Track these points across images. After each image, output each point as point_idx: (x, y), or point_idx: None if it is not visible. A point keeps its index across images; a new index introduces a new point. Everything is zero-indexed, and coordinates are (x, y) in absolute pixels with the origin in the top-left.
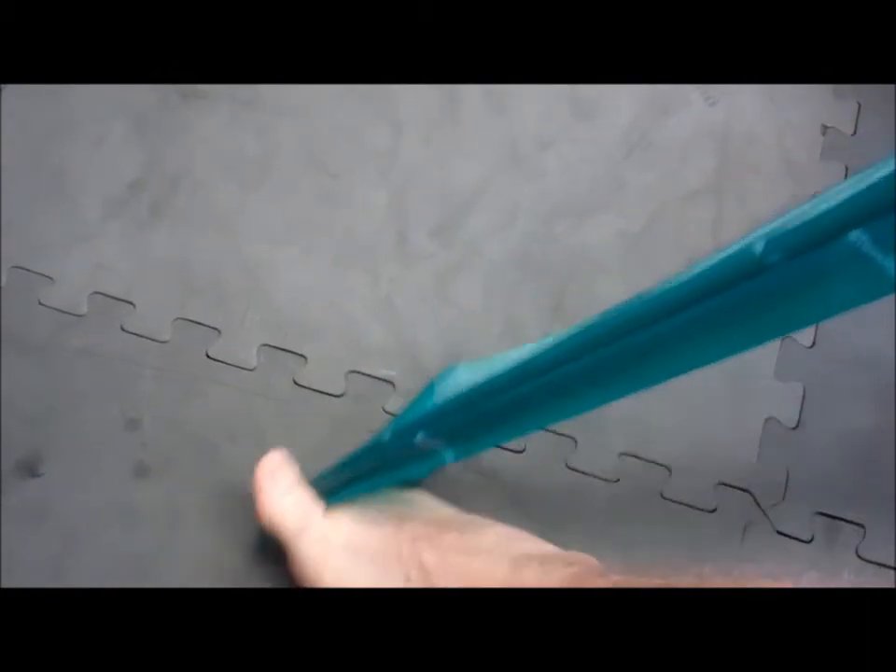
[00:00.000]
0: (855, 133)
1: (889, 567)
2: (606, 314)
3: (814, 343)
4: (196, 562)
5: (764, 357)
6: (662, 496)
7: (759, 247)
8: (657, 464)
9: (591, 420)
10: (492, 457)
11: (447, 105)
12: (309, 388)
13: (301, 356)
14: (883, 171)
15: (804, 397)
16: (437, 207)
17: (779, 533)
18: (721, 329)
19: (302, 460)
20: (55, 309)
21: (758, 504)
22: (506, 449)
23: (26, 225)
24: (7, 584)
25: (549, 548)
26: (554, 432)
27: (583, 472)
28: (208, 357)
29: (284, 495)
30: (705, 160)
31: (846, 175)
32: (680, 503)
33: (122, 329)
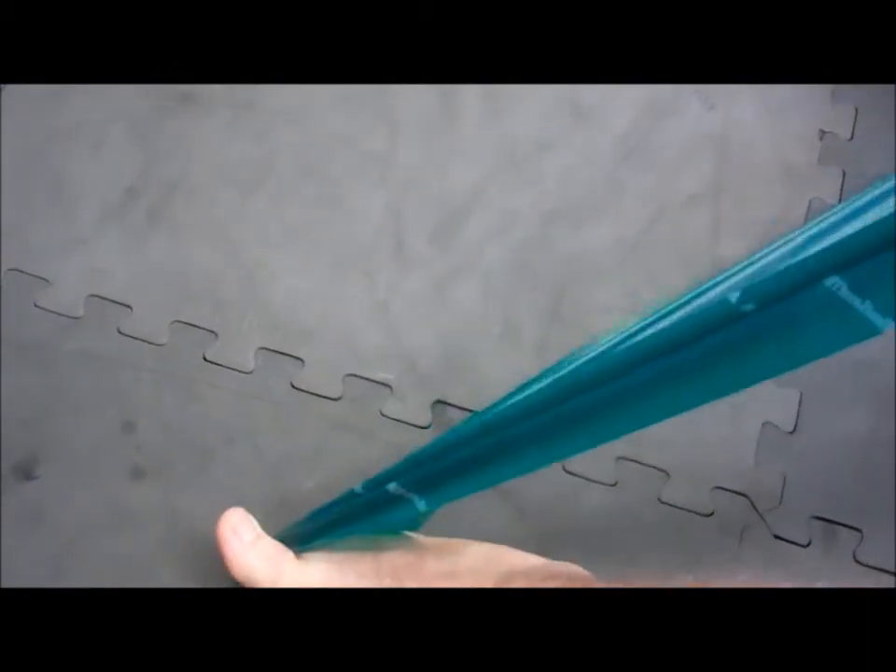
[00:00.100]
0: (852, 137)
1: (887, 572)
2: (581, 362)
3: None
4: (192, 564)
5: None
6: (659, 500)
7: (734, 297)
8: (654, 468)
9: None
10: None
11: (445, 110)
12: (306, 392)
13: (299, 359)
14: (860, 220)
15: (801, 401)
16: (434, 212)
17: (776, 537)
18: (700, 376)
19: (300, 464)
20: (52, 312)
21: (755, 508)
22: None
23: (24, 228)
24: (3, 586)
25: (533, 560)
26: None
27: (581, 476)
28: (205, 360)
29: (250, 548)
30: (703, 164)
31: (843, 180)
32: (678, 507)
33: (119, 332)
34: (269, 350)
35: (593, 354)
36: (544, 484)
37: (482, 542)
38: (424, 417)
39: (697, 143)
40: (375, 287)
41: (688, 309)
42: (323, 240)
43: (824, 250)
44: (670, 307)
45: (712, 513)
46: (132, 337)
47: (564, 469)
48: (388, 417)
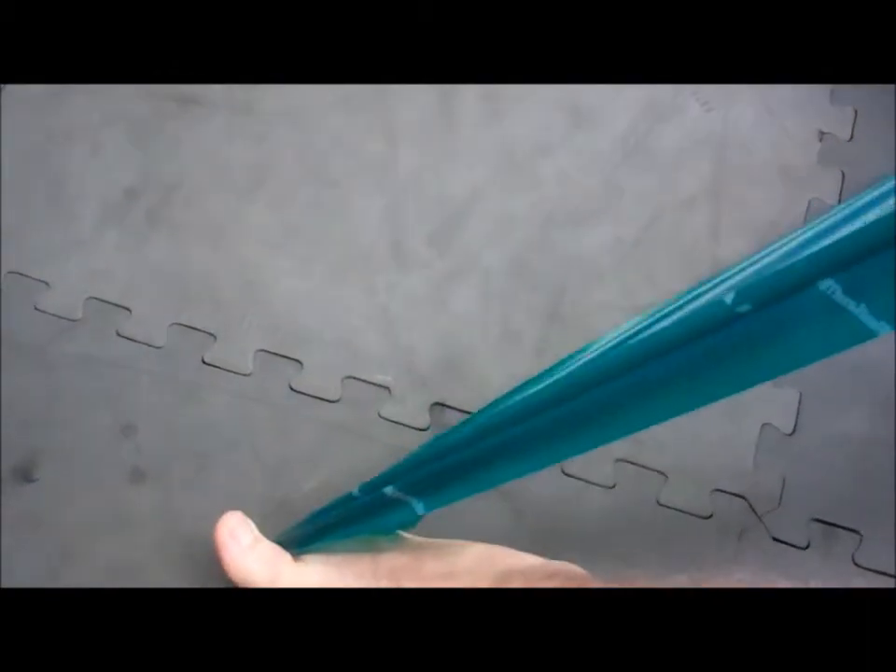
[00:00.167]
0: (852, 138)
1: (886, 574)
2: (578, 364)
3: None
4: (190, 567)
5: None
6: (658, 502)
7: (729, 298)
8: (653, 470)
9: None
10: None
11: (444, 112)
12: (305, 394)
13: (298, 361)
14: (856, 222)
15: (800, 403)
16: (434, 213)
17: (775, 539)
18: (696, 378)
19: (298, 466)
20: (51, 314)
21: (754, 510)
22: None
23: (23, 231)
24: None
25: (531, 560)
26: None
27: (579, 478)
28: (204, 362)
29: (248, 552)
30: (701, 166)
31: (842, 181)
32: (676, 509)
33: (118, 335)
34: (268, 352)
35: (589, 356)
36: (543, 486)
37: (479, 543)
38: (422, 419)
39: (696, 144)
40: (374, 289)
41: (684, 311)
42: (322, 242)
43: (819, 252)
44: (666, 309)
45: (711, 516)
46: (131, 339)
47: (562, 472)
48: (387, 419)
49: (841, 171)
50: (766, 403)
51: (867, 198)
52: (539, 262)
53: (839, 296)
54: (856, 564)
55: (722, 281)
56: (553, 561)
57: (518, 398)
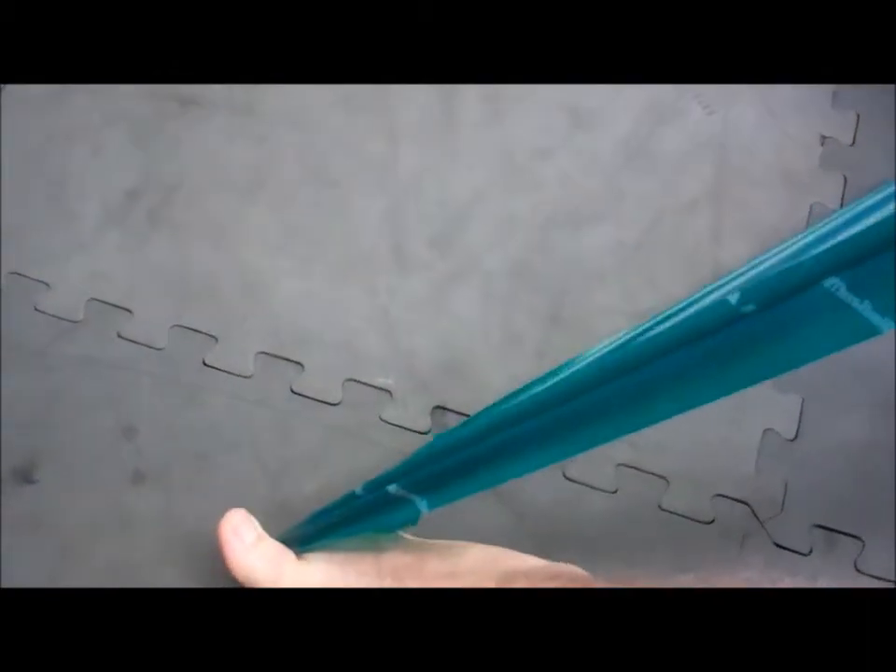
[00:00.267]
0: (854, 143)
1: (888, 581)
2: (582, 364)
3: None
4: (192, 569)
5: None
6: (660, 507)
7: (734, 298)
8: (655, 475)
9: None
10: None
11: (445, 114)
12: (306, 396)
13: (298, 363)
14: (859, 222)
15: (802, 408)
16: (434, 216)
17: (777, 545)
18: (700, 376)
19: (299, 469)
20: (52, 315)
21: (756, 516)
22: None
23: (24, 232)
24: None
25: (534, 561)
26: None
27: (581, 483)
28: (205, 364)
29: (251, 549)
30: (703, 169)
31: (844, 185)
32: (678, 514)
33: (119, 336)
34: (268, 354)
35: (594, 357)
36: (544, 490)
37: (482, 544)
38: (423, 422)
39: (698, 147)
40: (375, 291)
41: (688, 312)
42: (323, 243)
43: (823, 252)
44: (669, 312)
45: (713, 521)
46: (132, 341)
47: (564, 476)
48: (388, 422)
49: (843, 175)
50: (768, 409)
51: (869, 202)
52: (540, 264)
53: (843, 293)
54: (858, 570)
55: (726, 284)
56: (556, 563)
57: (522, 397)
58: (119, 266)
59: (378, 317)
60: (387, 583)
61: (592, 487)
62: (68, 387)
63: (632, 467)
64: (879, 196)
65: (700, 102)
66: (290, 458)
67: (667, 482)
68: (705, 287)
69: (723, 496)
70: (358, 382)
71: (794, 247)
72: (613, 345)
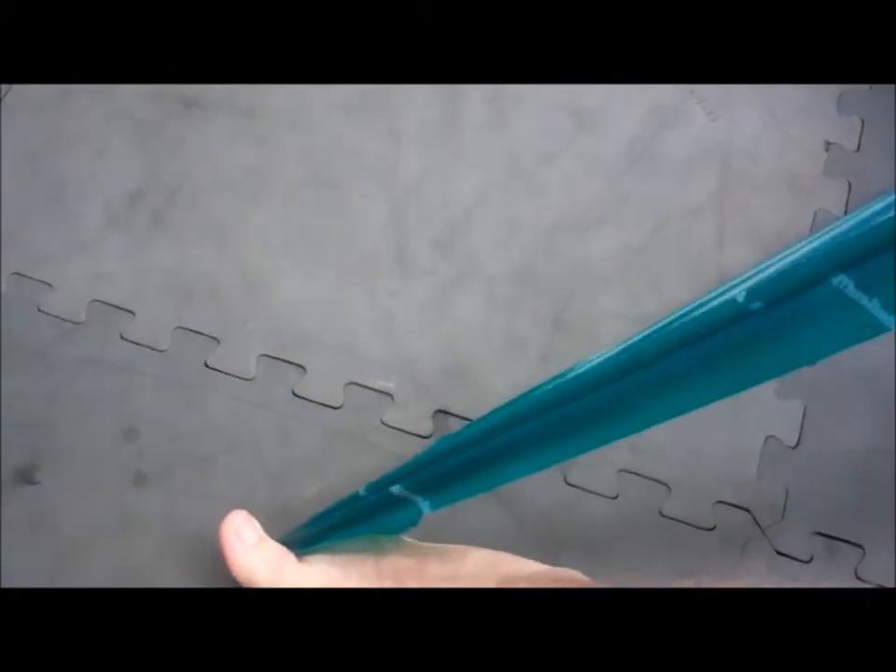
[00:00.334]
0: (858, 149)
1: (889, 589)
2: (587, 367)
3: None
4: (193, 571)
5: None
6: (661, 513)
7: (741, 296)
8: (656, 481)
9: None
10: None
11: (448, 117)
12: (307, 399)
13: (300, 366)
14: (865, 217)
15: (804, 415)
16: (437, 219)
17: (778, 553)
18: (707, 373)
19: (300, 471)
20: (54, 316)
21: (757, 523)
22: None
23: (27, 233)
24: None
25: (534, 566)
26: None
27: (582, 488)
28: (207, 366)
29: (252, 551)
30: (707, 174)
31: (848, 191)
32: (679, 521)
33: (121, 338)
34: (270, 357)
35: (598, 360)
36: (545, 495)
37: (483, 548)
38: (425, 427)
39: (701, 152)
40: (377, 294)
41: (695, 313)
42: (325, 247)
43: (831, 249)
44: (675, 315)
45: (714, 527)
46: (134, 343)
47: (565, 481)
48: (389, 426)
49: (847, 181)
50: (770, 415)
51: (877, 206)
52: (543, 268)
53: (851, 290)
54: (858, 577)
55: (732, 287)
56: (557, 568)
57: (528, 397)
58: (121, 267)
59: (380, 320)
60: (388, 586)
61: (593, 493)
62: (70, 388)
63: (633, 472)
64: (882, 204)
65: (704, 107)
66: (291, 461)
67: (669, 488)
68: (710, 291)
69: (725, 502)
70: (360, 385)
71: (801, 251)
72: (619, 348)
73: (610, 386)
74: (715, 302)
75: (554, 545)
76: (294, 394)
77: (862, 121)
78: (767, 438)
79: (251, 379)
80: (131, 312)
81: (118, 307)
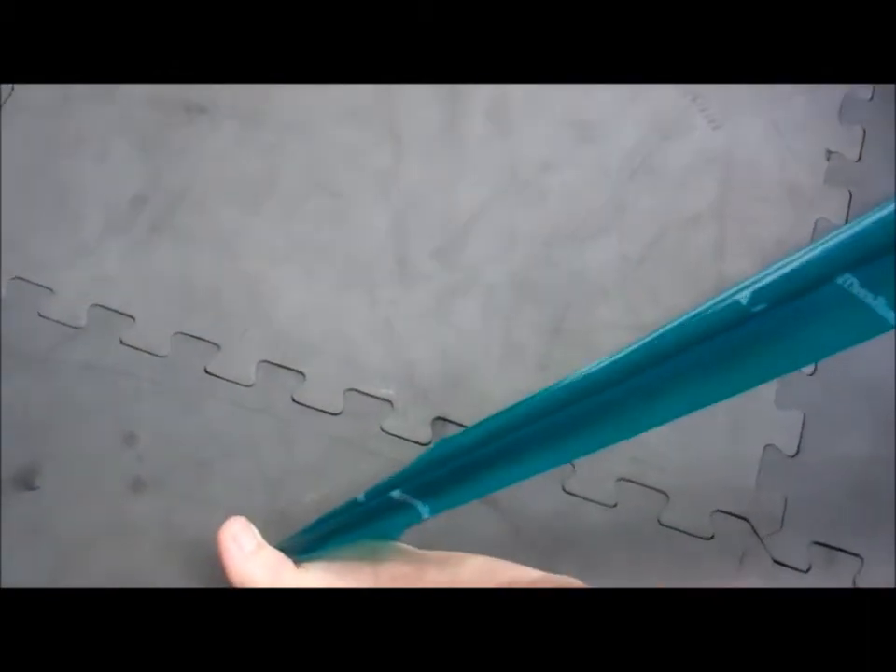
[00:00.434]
0: (860, 159)
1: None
2: (589, 370)
3: (814, 371)
4: (191, 576)
5: (764, 384)
6: (659, 522)
7: (744, 299)
8: (655, 490)
9: None
10: None
11: (450, 127)
12: (307, 406)
13: (300, 373)
14: (871, 217)
15: (803, 424)
16: (437, 229)
17: (776, 562)
18: (711, 373)
19: (299, 478)
20: (55, 321)
21: (755, 532)
22: None
23: (27, 237)
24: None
25: (533, 573)
26: None
27: (580, 497)
28: (207, 372)
29: (250, 558)
30: (707, 184)
31: (849, 201)
32: (677, 530)
33: (121, 343)
34: (270, 363)
35: (598, 365)
36: (543, 503)
37: (481, 555)
38: (424, 434)
39: (702, 162)
40: (377, 302)
41: (696, 317)
42: (326, 254)
43: (835, 249)
44: (676, 320)
45: (712, 537)
46: (134, 348)
47: (563, 490)
48: (388, 433)
49: (848, 191)
50: (769, 424)
51: (879, 213)
52: (542, 278)
53: (856, 289)
54: (857, 588)
55: (736, 291)
56: (555, 574)
57: (525, 403)
58: (122, 273)
59: (380, 328)
60: None
61: (591, 501)
62: (70, 393)
63: (632, 481)
64: (888, 206)
65: (705, 116)
66: (291, 467)
67: (667, 497)
68: (711, 298)
69: (723, 511)
70: (360, 392)
71: (804, 258)
72: (618, 353)
73: (610, 390)
74: (718, 306)
75: (552, 553)
76: (293, 400)
77: (864, 131)
78: (766, 447)
79: (251, 385)
80: (131, 317)
81: (118, 312)
